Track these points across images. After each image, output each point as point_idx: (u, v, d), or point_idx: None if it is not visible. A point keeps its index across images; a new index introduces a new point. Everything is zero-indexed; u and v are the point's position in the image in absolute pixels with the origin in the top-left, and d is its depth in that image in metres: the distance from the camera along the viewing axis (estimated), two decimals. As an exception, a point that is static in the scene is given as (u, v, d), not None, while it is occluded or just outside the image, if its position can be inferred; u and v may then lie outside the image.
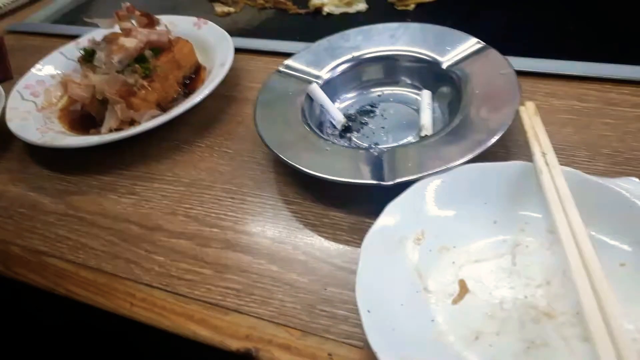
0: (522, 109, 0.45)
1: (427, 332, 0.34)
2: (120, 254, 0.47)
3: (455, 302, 0.35)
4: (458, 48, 0.55)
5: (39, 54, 0.76)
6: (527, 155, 0.42)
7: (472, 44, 0.54)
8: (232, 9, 0.84)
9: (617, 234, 0.36)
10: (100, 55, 0.59)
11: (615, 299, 0.31)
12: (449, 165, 0.41)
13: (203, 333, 0.39)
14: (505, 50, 0.52)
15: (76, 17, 0.96)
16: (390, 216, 0.38)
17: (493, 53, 0.52)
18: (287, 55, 0.61)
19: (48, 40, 0.88)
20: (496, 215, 0.40)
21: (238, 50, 0.64)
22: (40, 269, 0.47)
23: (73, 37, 0.78)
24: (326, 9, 0.78)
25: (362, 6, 0.78)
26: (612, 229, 0.36)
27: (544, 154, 0.40)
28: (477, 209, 0.40)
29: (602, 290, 0.32)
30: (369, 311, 0.33)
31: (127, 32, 0.60)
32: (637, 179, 0.40)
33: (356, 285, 0.34)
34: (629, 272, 0.34)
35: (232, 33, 0.67)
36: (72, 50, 0.73)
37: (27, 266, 0.48)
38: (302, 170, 0.45)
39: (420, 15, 0.74)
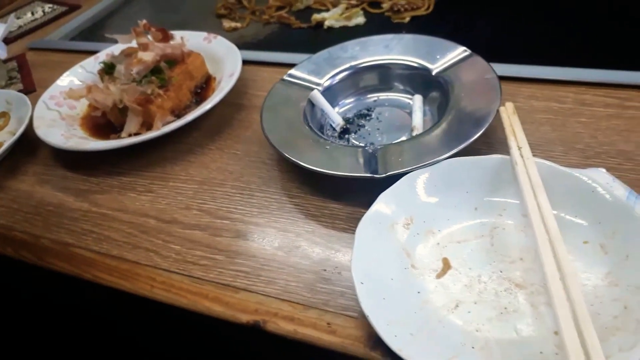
0: (502, 109, 0.50)
1: (413, 302, 0.38)
2: (140, 244, 0.52)
3: (439, 276, 0.40)
4: (447, 56, 0.60)
5: (59, 68, 0.82)
6: (507, 151, 0.47)
7: (459, 52, 0.59)
8: (238, 24, 0.90)
9: (581, 216, 0.40)
10: (120, 67, 0.64)
11: (575, 269, 0.36)
12: (436, 159, 0.46)
13: (216, 308, 0.44)
14: (491, 58, 0.57)
15: (91, 35, 1.03)
16: (383, 203, 0.43)
17: (478, 60, 0.57)
18: (291, 65, 0.66)
19: (66, 55, 0.94)
20: (477, 202, 0.44)
21: (245, 62, 0.69)
22: (69, 258, 0.52)
23: (89, 53, 0.84)
24: (327, 23, 0.83)
25: (360, 20, 0.83)
26: (577, 211, 0.40)
27: (519, 148, 0.45)
28: (460, 197, 0.45)
29: (565, 264, 0.36)
30: (362, 283, 0.38)
31: (144, 47, 0.65)
32: (603, 170, 0.45)
33: (352, 261, 0.39)
34: (590, 248, 0.39)
35: (240, 46, 0.72)
36: (92, 64, 0.78)
37: (56, 256, 0.53)
38: (304, 166, 0.50)
39: (415, 27, 0.79)
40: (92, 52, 0.83)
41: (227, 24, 0.91)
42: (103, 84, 0.65)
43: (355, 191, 0.51)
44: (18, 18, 1.11)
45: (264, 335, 0.42)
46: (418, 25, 0.80)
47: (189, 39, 0.74)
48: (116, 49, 0.78)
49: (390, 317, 0.36)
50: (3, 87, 0.86)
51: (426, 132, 0.51)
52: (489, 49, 0.58)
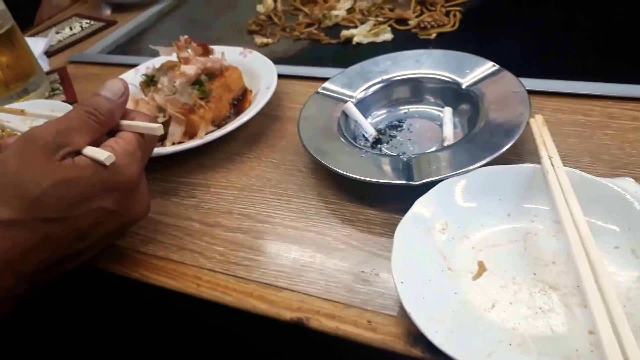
0: (532, 120, 0.53)
1: (451, 301, 0.40)
2: (185, 245, 0.54)
3: (474, 278, 0.42)
4: (476, 70, 0.62)
5: (98, 80, 0.86)
6: (536, 161, 0.49)
7: (488, 67, 0.62)
8: (270, 40, 0.94)
9: (612, 222, 0.42)
10: (163, 80, 0.68)
11: (608, 272, 0.38)
12: (469, 168, 0.48)
13: (261, 306, 0.46)
14: (518, 72, 0.59)
15: (127, 49, 1.07)
16: (420, 207, 0.45)
17: (507, 74, 0.60)
18: (323, 79, 0.69)
19: (105, 68, 0.99)
20: (510, 209, 0.46)
21: (279, 76, 0.72)
22: (117, 258, 0.55)
23: (126, 66, 0.88)
24: (355, 39, 0.87)
25: (388, 36, 0.86)
26: (607, 217, 0.42)
27: (550, 157, 0.47)
28: (493, 204, 0.47)
29: (598, 265, 0.38)
30: (402, 282, 0.40)
31: (186, 60, 0.69)
32: (631, 179, 0.47)
33: (392, 261, 0.41)
34: (621, 252, 0.41)
35: (272, 61, 0.75)
36: (131, 76, 0.82)
37: (105, 257, 0.56)
38: (341, 173, 0.53)
39: (441, 43, 0.82)
40: (129, 66, 0.86)
41: (258, 39, 0.94)
42: (148, 96, 0.68)
43: (388, 198, 0.53)
44: (57, 33, 1.17)
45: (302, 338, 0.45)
46: (444, 42, 0.82)
47: (226, 54, 0.77)
48: (155, 62, 0.82)
49: (431, 315, 0.38)
50: (47, 98, 0.90)
51: (459, 142, 0.54)
52: (512, 64, 0.61)
